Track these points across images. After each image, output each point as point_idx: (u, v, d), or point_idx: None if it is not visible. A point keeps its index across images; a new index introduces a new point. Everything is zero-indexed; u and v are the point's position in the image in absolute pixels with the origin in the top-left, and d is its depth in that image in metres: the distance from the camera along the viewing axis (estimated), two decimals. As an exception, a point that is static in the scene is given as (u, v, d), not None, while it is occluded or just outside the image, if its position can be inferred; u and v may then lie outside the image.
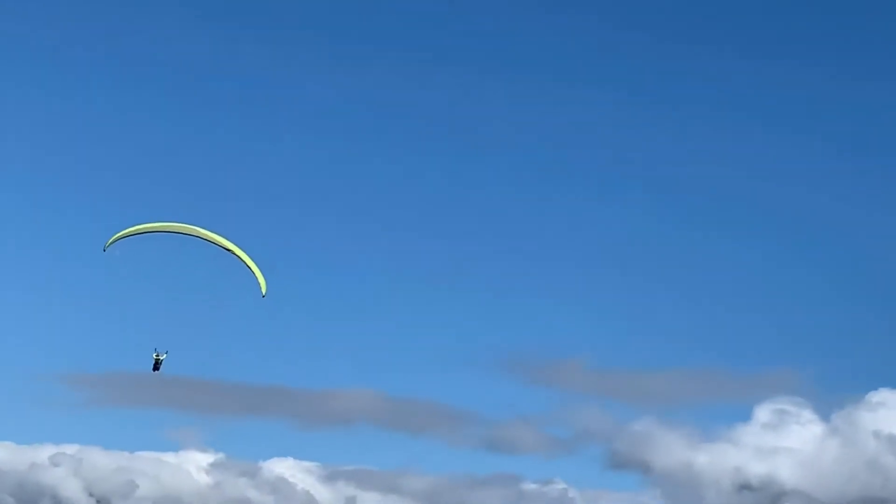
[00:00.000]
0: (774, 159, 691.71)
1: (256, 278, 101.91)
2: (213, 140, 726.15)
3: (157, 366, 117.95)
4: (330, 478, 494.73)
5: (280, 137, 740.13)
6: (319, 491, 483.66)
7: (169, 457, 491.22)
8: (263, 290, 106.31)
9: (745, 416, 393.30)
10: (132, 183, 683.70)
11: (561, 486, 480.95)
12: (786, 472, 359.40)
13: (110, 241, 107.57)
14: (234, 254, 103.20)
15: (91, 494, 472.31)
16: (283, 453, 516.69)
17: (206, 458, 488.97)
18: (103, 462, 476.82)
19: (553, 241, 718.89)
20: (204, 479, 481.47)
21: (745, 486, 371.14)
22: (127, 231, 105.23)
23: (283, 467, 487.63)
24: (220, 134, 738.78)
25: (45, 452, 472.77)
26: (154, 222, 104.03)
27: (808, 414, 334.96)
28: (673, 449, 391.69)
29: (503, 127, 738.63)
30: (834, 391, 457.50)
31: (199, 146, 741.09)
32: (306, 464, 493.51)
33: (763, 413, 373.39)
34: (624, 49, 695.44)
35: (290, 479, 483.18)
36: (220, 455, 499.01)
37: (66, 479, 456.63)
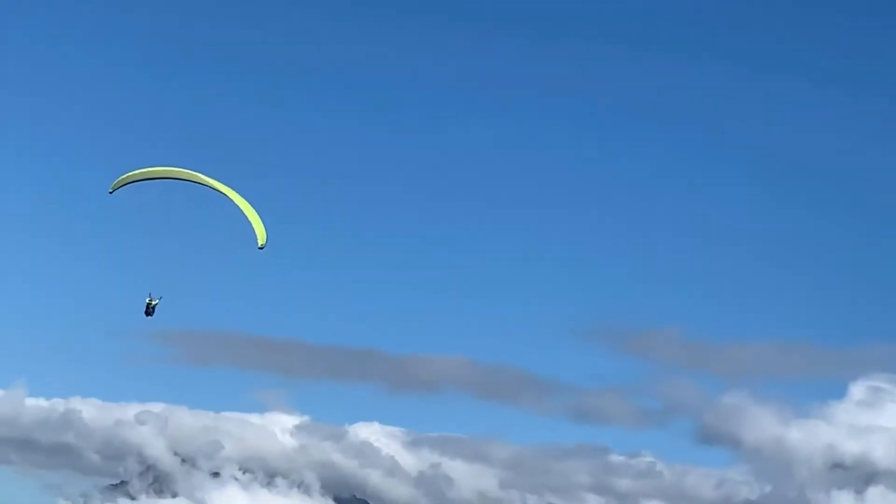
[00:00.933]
0: (873, 136, 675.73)
1: (254, 230, 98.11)
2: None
3: (149, 310, 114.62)
4: (415, 444, 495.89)
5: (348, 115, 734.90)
6: (404, 457, 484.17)
7: (254, 418, 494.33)
8: (260, 242, 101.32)
9: (839, 392, 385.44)
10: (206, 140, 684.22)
11: (649, 459, 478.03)
12: (880, 452, 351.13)
13: (116, 184, 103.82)
14: (235, 203, 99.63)
15: (176, 453, 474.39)
16: (369, 417, 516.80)
17: (291, 421, 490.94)
18: (189, 421, 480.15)
19: (649, 212, 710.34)
20: (289, 441, 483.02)
21: (837, 465, 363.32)
22: (134, 174, 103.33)
23: (369, 432, 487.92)
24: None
25: (131, 410, 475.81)
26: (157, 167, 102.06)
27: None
28: (764, 424, 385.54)
29: (606, 96, 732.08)
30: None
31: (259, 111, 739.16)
32: (392, 429, 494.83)
33: (858, 390, 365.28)
34: (736, 22, 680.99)
35: (375, 444, 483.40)
36: (306, 418, 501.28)
37: (152, 438, 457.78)
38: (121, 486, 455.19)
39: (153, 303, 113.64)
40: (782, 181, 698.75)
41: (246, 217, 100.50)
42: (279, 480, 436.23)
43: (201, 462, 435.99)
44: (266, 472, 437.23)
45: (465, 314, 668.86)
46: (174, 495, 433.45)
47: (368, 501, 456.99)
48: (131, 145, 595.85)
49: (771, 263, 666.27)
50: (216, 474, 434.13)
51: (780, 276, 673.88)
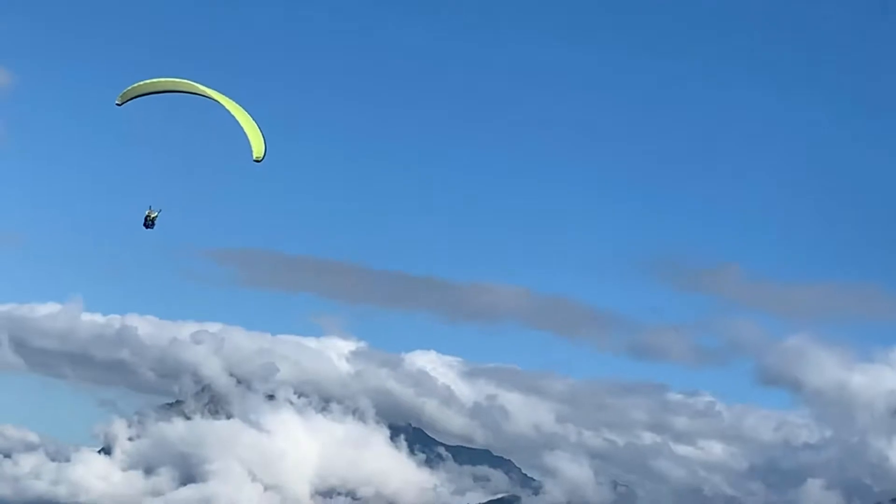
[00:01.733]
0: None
1: (250, 141, 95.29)
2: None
3: (147, 222, 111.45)
4: (471, 374, 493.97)
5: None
6: (460, 387, 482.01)
7: (311, 342, 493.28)
8: (256, 154, 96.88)
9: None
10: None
11: (707, 398, 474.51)
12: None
13: (124, 96, 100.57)
14: (233, 113, 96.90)
15: (231, 374, 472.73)
16: (425, 346, 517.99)
17: (347, 346, 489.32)
18: (245, 343, 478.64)
19: (716, 147, 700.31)
20: (345, 366, 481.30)
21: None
22: (141, 86, 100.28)
23: (425, 360, 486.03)
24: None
25: (187, 329, 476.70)
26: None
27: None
28: (826, 368, 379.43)
29: (691, 35, 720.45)
30: None
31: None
32: (448, 358, 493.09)
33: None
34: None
35: (432, 373, 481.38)
36: (363, 343, 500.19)
37: (208, 358, 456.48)
38: (175, 406, 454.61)
39: (153, 215, 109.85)
40: (858, 122, 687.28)
41: (242, 128, 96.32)
42: (334, 406, 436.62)
43: (256, 384, 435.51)
44: (321, 397, 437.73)
45: (526, 244, 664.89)
46: (228, 416, 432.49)
47: (423, 430, 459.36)
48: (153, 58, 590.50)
49: (840, 204, 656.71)
50: (271, 397, 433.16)
51: (849, 217, 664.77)
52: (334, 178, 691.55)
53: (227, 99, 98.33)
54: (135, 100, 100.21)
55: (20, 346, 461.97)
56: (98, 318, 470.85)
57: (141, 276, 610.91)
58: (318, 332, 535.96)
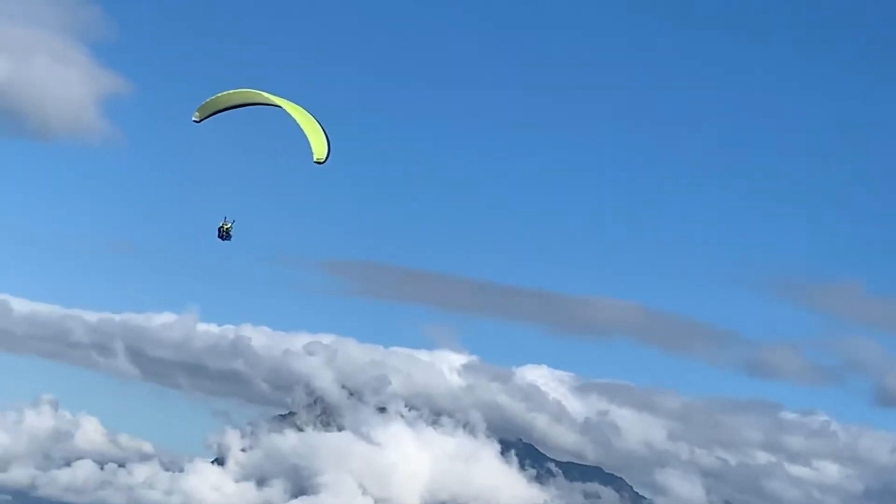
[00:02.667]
0: None
1: (310, 143, 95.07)
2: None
3: (222, 234, 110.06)
4: (583, 389, 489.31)
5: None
6: (571, 402, 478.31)
7: (422, 354, 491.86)
8: (317, 156, 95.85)
9: None
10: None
11: (823, 418, 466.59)
12: None
13: (202, 114, 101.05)
14: (295, 116, 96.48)
15: (343, 386, 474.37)
16: (537, 360, 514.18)
17: (459, 359, 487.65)
18: (357, 355, 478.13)
19: (835, 160, 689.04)
20: (456, 380, 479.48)
21: None
22: (213, 102, 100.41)
23: (537, 375, 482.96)
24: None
25: (300, 340, 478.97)
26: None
27: None
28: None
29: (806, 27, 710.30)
30: None
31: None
32: (560, 373, 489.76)
33: None
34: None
35: (543, 388, 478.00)
36: (474, 357, 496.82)
37: (320, 370, 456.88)
38: (288, 417, 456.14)
39: (226, 226, 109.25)
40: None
41: (303, 131, 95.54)
42: (445, 419, 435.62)
43: (368, 396, 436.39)
44: (432, 410, 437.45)
45: (640, 259, 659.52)
46: (340, 429, 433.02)
47: (534, 445, 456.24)
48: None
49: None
50: (382, 409, 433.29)
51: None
52: (448, 192, 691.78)
53: (289, 102, 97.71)
54: (214, 115, 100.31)
55: (136, 355, 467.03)
56: (213, 329, 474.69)
57: (255, 286, 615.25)
58: (429, 345, 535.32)
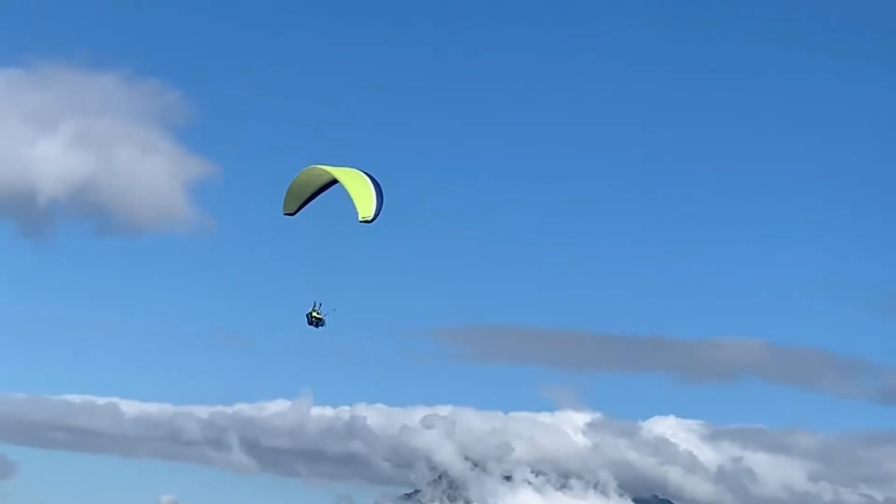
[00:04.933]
0: None
1: (354, 203, 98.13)
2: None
3: (311, 321, 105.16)
4: (714, 437, 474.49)
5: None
6: (703, 451, 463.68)
7: (544, 417, 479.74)
8: (362, 215, 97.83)
9: None
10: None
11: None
12: None
13: (289, 208, 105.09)
14: (340, 181, 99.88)
15: (466, 458, 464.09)
16: (663, 411, 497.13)
17: (582, 418, 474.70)
18: (477, 423, 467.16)
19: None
20: (581, 439, 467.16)
21: None
22: (295, 190, 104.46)
23: (664, 426, 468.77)
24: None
25: (417, 414, 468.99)
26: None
27: None
28: None
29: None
30: None
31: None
32: (688, 422, 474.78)
33: None
34: None
35: (672, 439, 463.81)
36: (598, 414, 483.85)
37: (441, 443, 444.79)
38: (413, 496, 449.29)
39: (315, 313, 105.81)
40: None
41: (349, 193, 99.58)
42: (573, 482, 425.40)
43: (492, 466, 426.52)
44: (559, 474, 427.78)
45: (757, 293, 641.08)
46: (467, 502, 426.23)
47: (670, 500, 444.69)
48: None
49: None
50: (508, 478, 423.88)
51: None
52: (548, 244, 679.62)
53: (344, 169, 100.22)
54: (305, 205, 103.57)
55: (252, 446, 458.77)
56: (327, 412, 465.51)
57: (366, 363, 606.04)
58: (550, 406, 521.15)
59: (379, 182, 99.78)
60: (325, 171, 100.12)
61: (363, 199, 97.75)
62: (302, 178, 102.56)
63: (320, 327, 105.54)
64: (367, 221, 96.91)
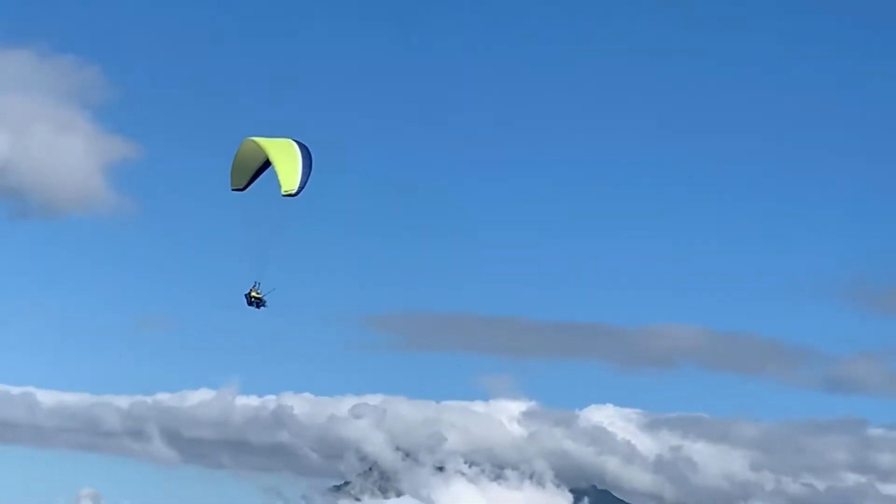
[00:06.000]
0: None
1: (278, 176, 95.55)
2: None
3: (251, 301, 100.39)
4: (652, 426, 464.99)
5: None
6: (642, 440, 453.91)
7: (478, 406, 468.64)
8: (285, 188, 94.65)
9: None
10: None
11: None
12: None
13: (237, 183, 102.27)
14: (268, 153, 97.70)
15: (397, 448, 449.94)
16: (600, 399, 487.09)
17: (518, 407, 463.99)
18: (409, 413, 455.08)
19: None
20: (517, 429, 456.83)
21: None
22: (239, 164, 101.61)
23: (602, 415, 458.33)
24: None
25: (346, 404, 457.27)
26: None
27: None
28: None
29: None
30: None
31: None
32: (626, 411, 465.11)
33: None
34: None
35: (610, 429, 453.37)
36: (533, 403, 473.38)
37: (371, 433, 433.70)
38: (343, 487, 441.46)
39: (255, 293, 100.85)
40: None
41: (274, 164, 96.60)
42: (509, 472, 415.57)
43: (424, 456, 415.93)
44: (494, 464, 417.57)
45: (696, 278, 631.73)
46: (399, 494, 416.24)
47: (609, 491, 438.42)
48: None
49: None
50: (441, 469, 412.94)
51: None
52: (484, 230, 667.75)
53: (278, 140, 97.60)
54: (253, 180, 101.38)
55: (174, 437, 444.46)
56: (253, 401, 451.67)
57: (293, 351, 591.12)
58: (485, 395, 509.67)
59: (311, 154, 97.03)
60: (256, 143, 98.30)
61: (288, 171, 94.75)
62: (241, 152, 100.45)
63: (261, 308, 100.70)
64: (290, 195, 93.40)
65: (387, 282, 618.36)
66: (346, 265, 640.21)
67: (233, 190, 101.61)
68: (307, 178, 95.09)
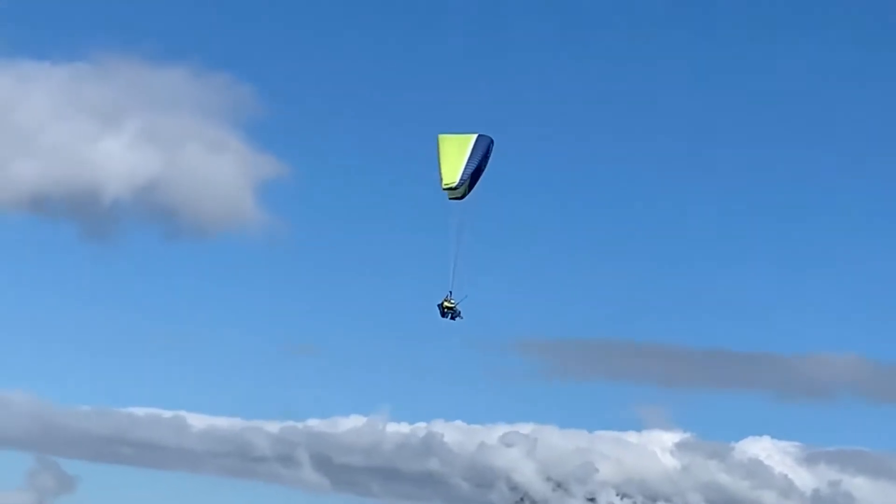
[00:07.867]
0: None
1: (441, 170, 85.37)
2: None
3: (444, 312, 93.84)
4: (810, 459, 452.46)
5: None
6: (799, 474, 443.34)
7: (631, 436, 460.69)
8: (445, 181, 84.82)
9: None
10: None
11: None
12: None
13: (457, 190, 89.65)
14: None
15: (548, 478, 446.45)
16: (757, 431, 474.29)
17: (672, 438, 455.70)
18: (560, 442, 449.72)
19: None
20: (670, 461, 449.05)
21: None
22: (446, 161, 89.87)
23: (758, 448, 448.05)
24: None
25: (496, 432, 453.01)
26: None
27: None
28: None
29: None
30: None
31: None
32: (784, 444, 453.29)
33: None
34: None
35: (766, 462, 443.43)
36: (688, 434, 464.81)
37: (521, 462, 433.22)
38: None
39: (447, 304, 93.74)
40: None
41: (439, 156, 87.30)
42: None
43: (575, 487, 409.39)
44: (646, 496, 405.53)
45: (857, 305, 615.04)
46: None
47: None
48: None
49: None
50: (592, 500, 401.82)
51: None
52: (642, 256, 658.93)
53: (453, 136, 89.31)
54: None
55: (324, 464, 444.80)
56: (403, 428, 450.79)
57: (446, 377, 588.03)
58: (638, 425, 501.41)
59: (489, 150, 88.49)
60: (442, 139, 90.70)
61: (452, 162, 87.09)
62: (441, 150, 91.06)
63: (456, 319, 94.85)
64: (449, 188, 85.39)
65: (540, 307, 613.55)
66: (500, 289, 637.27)
67: (450, 199, 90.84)
68: (473, 173, 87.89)
